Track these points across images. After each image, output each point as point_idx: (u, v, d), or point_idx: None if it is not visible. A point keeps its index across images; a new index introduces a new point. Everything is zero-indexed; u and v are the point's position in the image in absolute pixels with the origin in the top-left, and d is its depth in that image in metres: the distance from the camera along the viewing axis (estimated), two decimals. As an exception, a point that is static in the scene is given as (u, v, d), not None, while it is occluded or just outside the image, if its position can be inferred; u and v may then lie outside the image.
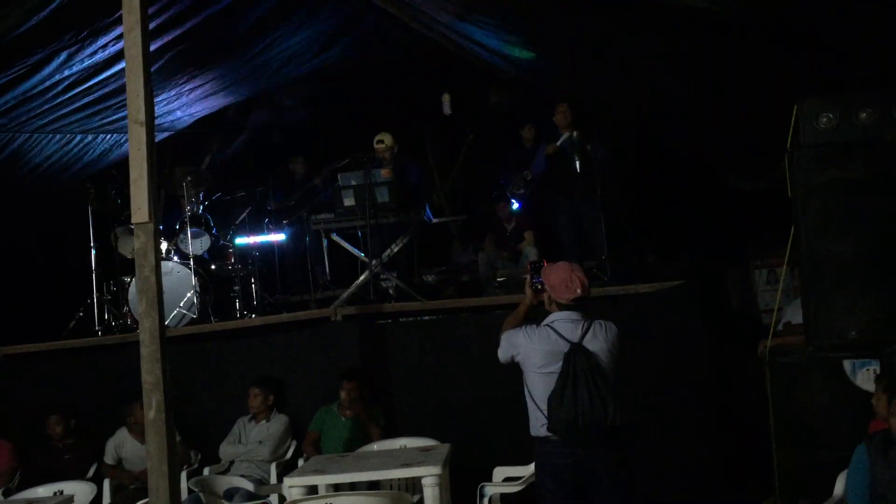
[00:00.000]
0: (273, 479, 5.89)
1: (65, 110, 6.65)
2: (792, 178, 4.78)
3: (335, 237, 7.55)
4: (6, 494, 6.05)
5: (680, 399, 6.03)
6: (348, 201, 7.21)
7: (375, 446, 5.72)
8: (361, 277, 7.22)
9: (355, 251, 7.47)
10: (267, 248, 8.25)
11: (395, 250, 7.36)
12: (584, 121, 7.39)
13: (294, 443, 6.27)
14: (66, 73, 5.98)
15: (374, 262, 7.13)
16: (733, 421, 6.19)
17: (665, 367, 6.02)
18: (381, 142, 7.52)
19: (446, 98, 9.09)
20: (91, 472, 6.31)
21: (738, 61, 5.27)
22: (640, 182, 8.41)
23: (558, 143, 7.24)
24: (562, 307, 4.04)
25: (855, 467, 3.86)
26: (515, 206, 8.31)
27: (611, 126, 8.10)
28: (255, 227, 8.21)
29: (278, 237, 8.36)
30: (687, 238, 8.35)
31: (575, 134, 7.08)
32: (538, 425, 3.96)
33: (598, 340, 3.95)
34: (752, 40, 4.83)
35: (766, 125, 5.69)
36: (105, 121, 7.25)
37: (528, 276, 4.19)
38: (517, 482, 4.78)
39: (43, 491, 5.70)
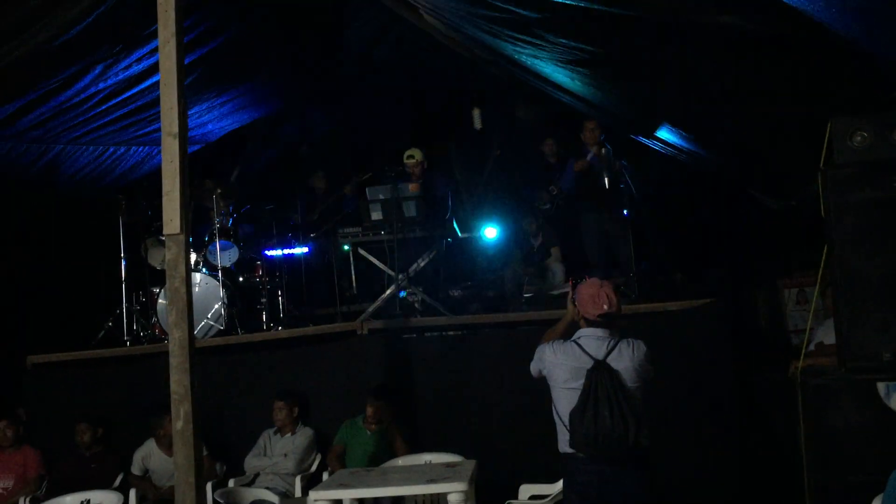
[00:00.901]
0: (298, 492, 5.90)
1: (99, 122, 6.73)
2: (825, 197, 4.71)
3: (362, 251, 7.57)
4: (34, 502, 6.10)
5: (707, 418, 5.97)
6: (376, 215, 7.23)
7: (400, 461, 5.70)
8: (388, 291, 7.23)
9: (382, 265, 7.48)
10: (294, 261, 8.29)
11: (422, 264, 7.36)
12: (613, 137, 7.38)
13: (319, 456, 6.27)
14: (101, 85, 6.07)
15: (400, 276, 7.14)
16: (761, 441, 6.11)
17: (692, 386, 5.97)
18: (412, 157, 7.56)
19: (476, 113, 9.11)
20: (117, 482, 6.35)
21: (769, 78, 5.23)
22: (667, 199, 8.36)
23: (587, 159, 7.23)
24: (589, 323, 4.02)
25: (892, 493, 3.78)
26: None
27: (639, 143, 8.07)
28: (282, 240, 8.25)
29: (304, 250, 8.40)
30: (715, 256, 8.28)
31: (603, 150, 7.07)
32: (564, 441, 3.94)
33: (623, 359, 3.92)
34: (784, 57, 4.80)
35: (797, 143, 5.64)
36: (138, 133, 7.34)
37: (570, 292, 4.18)
38: (544, 500, 4.73)
39: (70, 500, 5.75)
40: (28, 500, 6.14)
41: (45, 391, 6.98)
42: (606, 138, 7.29)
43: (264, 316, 7.67)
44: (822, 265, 4.93)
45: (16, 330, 7.39)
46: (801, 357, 5.15)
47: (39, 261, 7.96)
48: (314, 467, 6.22)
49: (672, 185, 8.42)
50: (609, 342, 3.95)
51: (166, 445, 6.19)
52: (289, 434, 6.26)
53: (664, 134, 7.05)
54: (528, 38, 5.51)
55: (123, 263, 7.56)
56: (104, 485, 6.17)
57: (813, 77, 4.99)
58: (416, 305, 7.47)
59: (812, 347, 5.52)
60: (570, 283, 4.26)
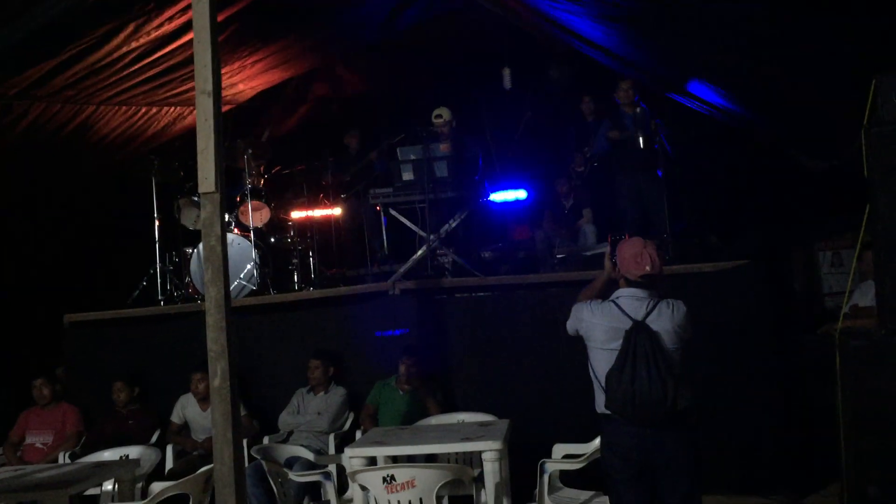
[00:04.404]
0: (332, 450, 5.95)
1: (131, 82, 6.72)
2: (869, 156, 4.62)
3: (393, 211, 7.54)
4: (72, 457, 6.23)
5: (742, 380, 5.92)
6: (407, 175, 7.18)
7: (433, 420, 5.73)
8: (419, 252, 7.20)
9: (413, 226, 7.46)
10: (325, 222, 8.29)
11: (453, 225, 7.32)
12: (648, 96, 7.25)
13: (352, 415, 6.32)
14: (134, 45, 6.04)
15: (431, 236, 7.12)
16: (796, 404, 6.07)
17: (727, 348, 5.92)
18: (440, 116, 7.48)
19: (507, 72, 8.99)
20: (154, 438, 6.47)
21: (812, 33, 5.10)
22: (703, 159, 8.23)
23: (621, 136, 7.12)
24: (630, 283, 3.96)
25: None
26: None
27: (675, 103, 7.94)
28: (313, 201, 8.25)
29: (335, 211, 8.39)
30: (749, 218, 8.17)
31: (638, 111, 6.95)
32: (601, 402, 3.90)
33: (663, 320, 3.84)
34: (829, 10, 4.66)
35: (839, 102, 5.51)
36: (170, 93, 7.32)
37: (608, 249, 4.11)
38: (578, 459, 4.73)
39: (109, 454, 5.86)
40: (67, 455, 6.27)
41: (83, 349, 7.10)
42: (641, 97, 7.17)
43: (296, 276, 7.70)
44: (863, 226, 4.84)
45: (53, 289, 7.48)
46: (840, 319, 5.08)
47: (75, 221, 8.03)
48: (347, 426, 6.28)
49: (708, 144, 8.28)
50: (648, 303, 3.87)
51: (199, 400, 6.32)
52: (322, 393, 6.31)
53: (700, 91, 6.91)
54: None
55: (157, 224, 7.60)
56: (141, 441, 6.29)
57: (858, 32, 4.85)
58: (447, 266, 7.45)
59: (847, 309, 5.45)
60: (609, 240, 4.18)
